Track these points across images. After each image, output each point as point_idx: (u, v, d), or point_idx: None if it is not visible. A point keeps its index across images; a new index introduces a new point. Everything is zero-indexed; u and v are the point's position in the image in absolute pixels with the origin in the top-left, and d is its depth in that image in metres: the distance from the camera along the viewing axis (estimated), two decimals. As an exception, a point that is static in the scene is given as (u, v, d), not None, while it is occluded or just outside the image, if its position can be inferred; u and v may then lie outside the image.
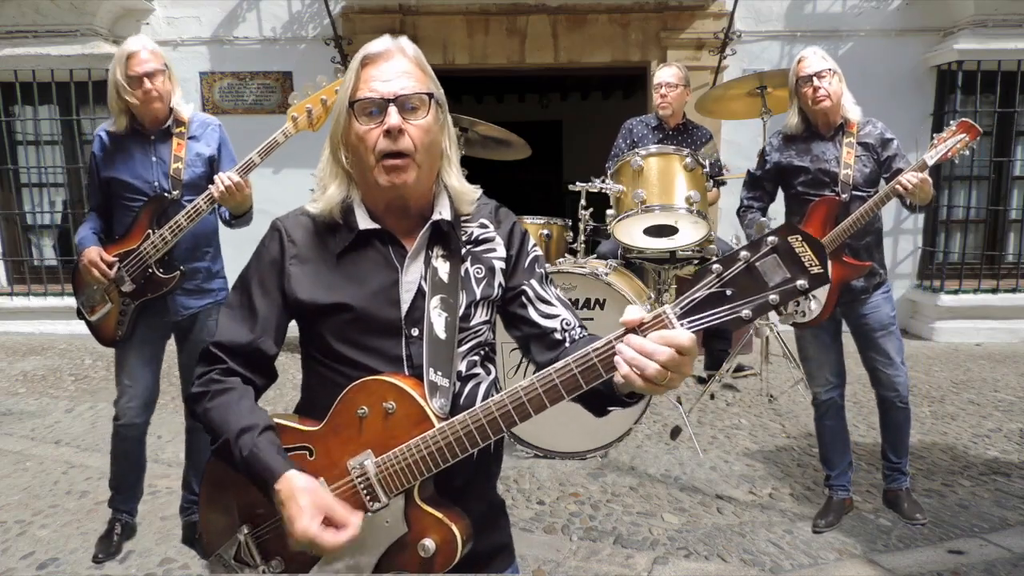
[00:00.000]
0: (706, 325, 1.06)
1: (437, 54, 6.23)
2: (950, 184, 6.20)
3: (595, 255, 4.14)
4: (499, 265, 1.37)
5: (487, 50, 6.32)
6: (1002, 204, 6.31)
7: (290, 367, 4.20)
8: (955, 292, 6.14)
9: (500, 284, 1.37)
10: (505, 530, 1.43)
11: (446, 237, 1.33)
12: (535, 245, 1.44)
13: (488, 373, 1.37)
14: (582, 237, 3.86)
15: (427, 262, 1.31)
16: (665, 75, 4.39)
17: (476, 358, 1.34)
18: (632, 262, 4.05)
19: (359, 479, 1.23)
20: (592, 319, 3.46)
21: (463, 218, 1.38)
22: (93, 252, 2.55)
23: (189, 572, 2.65)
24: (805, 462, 3.56)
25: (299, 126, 2.48)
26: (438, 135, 1.31)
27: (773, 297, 1.03)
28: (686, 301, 1.07)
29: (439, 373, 1.26)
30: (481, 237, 1.38)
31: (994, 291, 6.19)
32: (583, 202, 3.84)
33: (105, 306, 2.63)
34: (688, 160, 3.61)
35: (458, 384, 1.30)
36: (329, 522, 1.17)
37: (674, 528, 2.93)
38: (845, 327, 2.96)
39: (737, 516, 3.03)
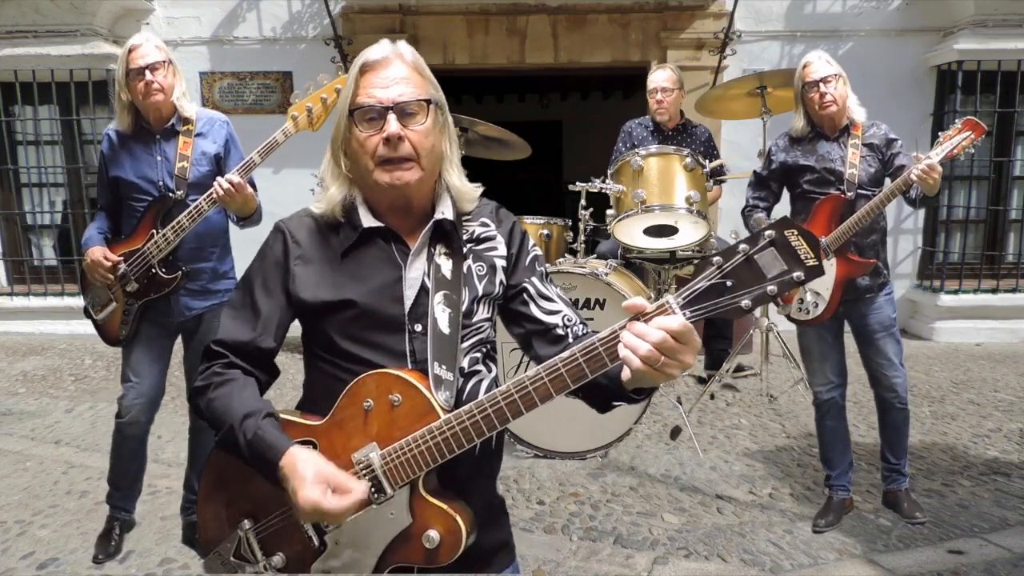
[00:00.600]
0: (708, 314, 1.09)
1: (437, 54, 6.22)
2: (950, 184, 6.19)
3: (595, 255, 4.14)
4: (500, 263, 1.39)
5: (487, 50, 6.32)
6: (1002, 204, 6.31)
7: (290, 367, 4.21)
8: (955, 292, 6.14)
9: (501, 282, 1.39)
10: (506, 528, 1.44)
11: (448, 235, 1.35)
12: (535, 245, 1.46)
13: (490, 371, 1.38)
14: (582, 237, 3.86)
15: (430, 259, 1.33)
16: (659, 79, 4.36)
17: (478, 355, 1.36)
18: (632, 262, 4.05)
19: (364, 471, 1.23)
20: (592, 319, 3.46)
21: (464, 217, 1.40)
22: (97, 252, 2.56)
23: (189, 572, 2.65)
24: (805, 462, 3.56)
25: (299, 125, 2.47)
26: (438, 138, 1.33)
27: (771, 288, 1.06)
28: (688, 291, 1.10)
29: (443, 367, 1.27)
30: (482, 236, 1.40)
31: (994, 291, 6.19)
32: (583, 202, 3.84)
33: (110, 305, 2.63)
34: (688, 160, 3.61)
35: (461, 380, 1.31)
36: (333, 491, 1.18)
37: (674, 528, 2.93)
38: (847, 327, 2.97)
39: (737, 516, 3.03)
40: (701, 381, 4.73)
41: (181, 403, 4.14)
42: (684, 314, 1.09)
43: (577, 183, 3.79)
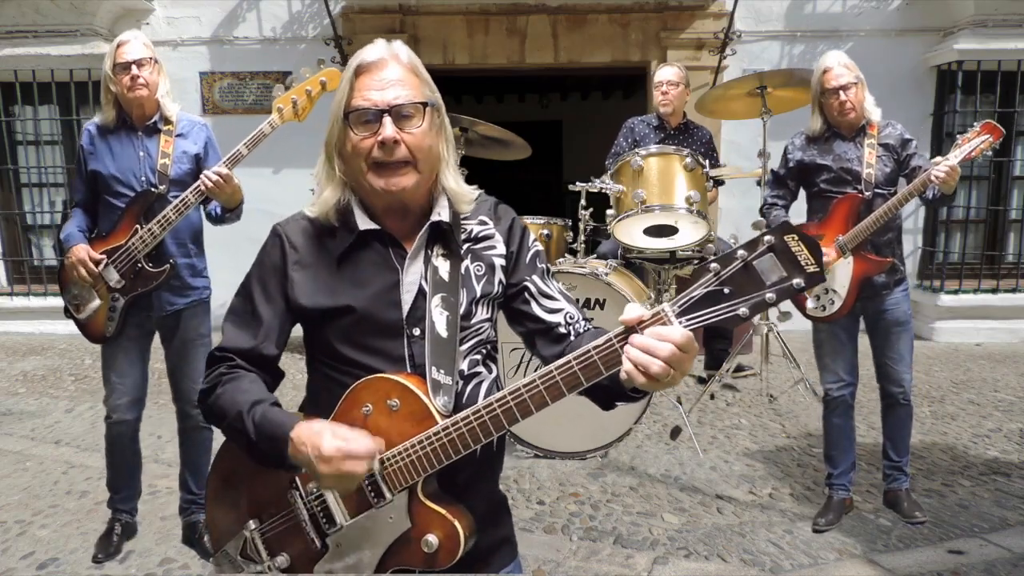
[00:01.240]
0: (704, 323, 1.07)
1: (437, 54, 6.22)
2: (950, 184, 6.19)
3: (595, 255, 4.14)
4: (499, 262, 1.37)
5: (487, 50, 6.32)
6: (1002, 204, 6.31)
7: (290, 367, 4.20)
8: (955, 292, 6.14)
9: (501, 281, 1.37)
10: (507, 524, 1.43)
11: (445, 237, 1.34)
12: (535, 240, 1.44)
13: (490, 372, 1.37)
14: (582, 237, 3.86)
15: (427, 261, 1.32)
16: (666, 74, 4.45)
17: (478, 356, 1.35)
18: (632, 262, 4.05)
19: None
20: (592, 319, 3.43)
21: (462, 216, 1.38)
22: (81, 250, 2.54)
23: (189, 572, 2.65)
24: (805, 462, 3.56)
25: (285, 117, 2.53)
26: (434, 140, 1.31)
27: (770, 295, 1.05)
28: (684, 299, 1.08)
29: (442, 371, 1.26)
30: (481, 234, 1.38)
31: (994, 291, 6.19)
32: (583, 202, 3.84)
33: (93, 303, 2.62)
34: (688, 160, 3.61)
35: (460, 383, 1.30)
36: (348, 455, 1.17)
37: (674, 528, 2.93)
38: (861, 326, 2.98)
39: (737, 516, 3.03)
40: (701, 381, 4.73)
41: (181, 403, 4.14)
42: (680, 323, 1.07)
43: (577, 183, 3.79)
